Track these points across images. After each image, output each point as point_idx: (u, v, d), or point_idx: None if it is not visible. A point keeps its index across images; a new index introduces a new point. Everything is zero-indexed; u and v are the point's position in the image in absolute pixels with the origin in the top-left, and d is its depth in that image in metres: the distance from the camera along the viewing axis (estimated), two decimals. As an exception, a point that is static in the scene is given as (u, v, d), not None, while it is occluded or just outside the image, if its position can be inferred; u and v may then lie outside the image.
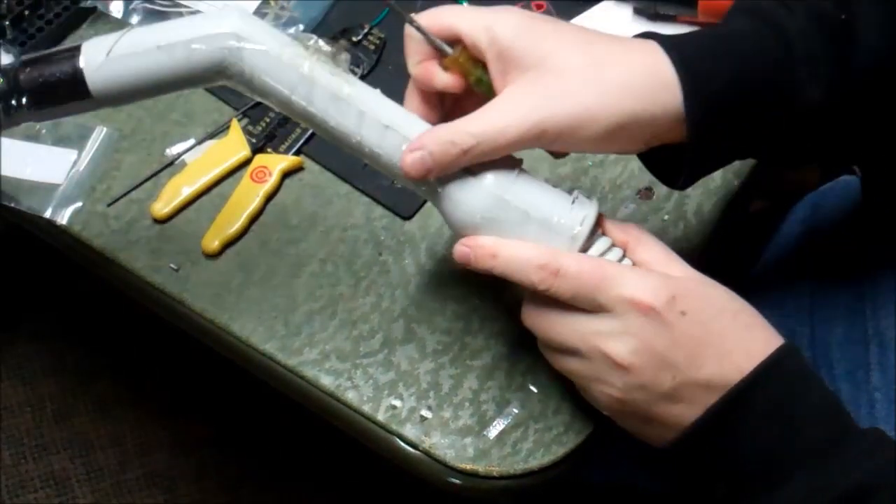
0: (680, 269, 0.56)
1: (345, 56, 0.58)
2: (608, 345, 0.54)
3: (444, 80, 0.58)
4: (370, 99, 0.57)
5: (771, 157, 0.62)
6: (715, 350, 0.54)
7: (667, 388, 0.54)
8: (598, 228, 0.58)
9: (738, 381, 0.53)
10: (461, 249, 0.57)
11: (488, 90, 0.57)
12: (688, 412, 0.54)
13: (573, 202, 0.57)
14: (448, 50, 0.58)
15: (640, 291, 0.53)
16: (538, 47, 0.54)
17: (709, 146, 0.56)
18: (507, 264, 0.56)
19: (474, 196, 0.56)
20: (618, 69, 0.54)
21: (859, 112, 0.58)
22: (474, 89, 0.58)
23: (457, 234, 0.59)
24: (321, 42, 0.59)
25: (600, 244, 0.57)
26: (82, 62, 0.56)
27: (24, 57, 0.56)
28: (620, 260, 0.57)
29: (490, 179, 0.56)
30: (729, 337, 0.54)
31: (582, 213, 0.57)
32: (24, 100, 0.55)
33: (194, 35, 0.56)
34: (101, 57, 0.56)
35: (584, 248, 0.57)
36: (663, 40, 0.56)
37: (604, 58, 0.55)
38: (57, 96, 0.56)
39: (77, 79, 0.56)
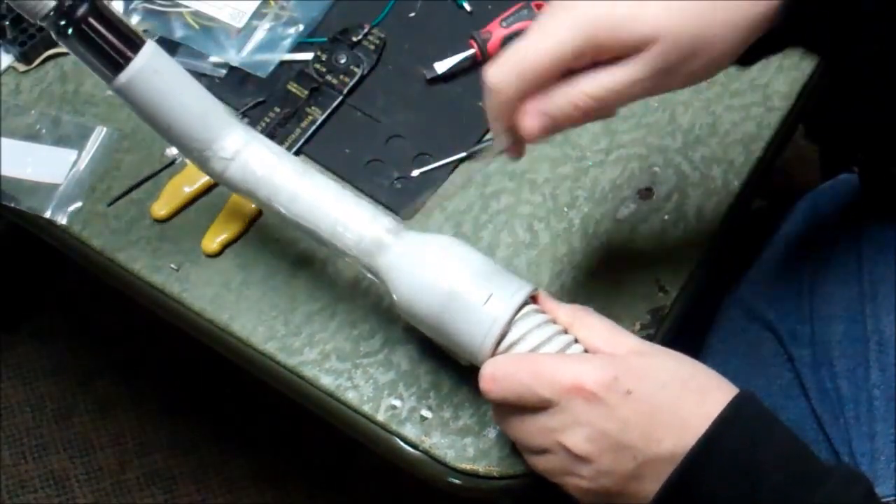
0: (626, 345, 0.56)
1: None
2: (564, 438, 0.53)
3: None
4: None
5: (829, 54, 0.60)
6: (670, 422, 0.53)
7: (631, 468, 0.53)
8: (531, 305, 0.59)
9: (691, 447, 0.51)
10: None
11: None
12: (658, 486, 0.53)
13: (504, 283, 0.58)
14: None
15: (579, 379, 0.53)
16: None
17: (797, 16, 0.54)
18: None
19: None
20: None
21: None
22: None
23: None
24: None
25: (531, 320, 0.57)
26: (136, 56, 0.59)
27: (97, 4, 0.59)
28: (556, 335, 0.57)
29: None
30: (683, 405, 0.53)
31: (509, 293, 0.58)
32: (69, 30, 0.59)
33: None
34: (146, 67, 0.60)
35: (510, 325, 0.57)
36: None
37: None
38: (93, 53, 0.59)
39: (117, 61, 0.59)
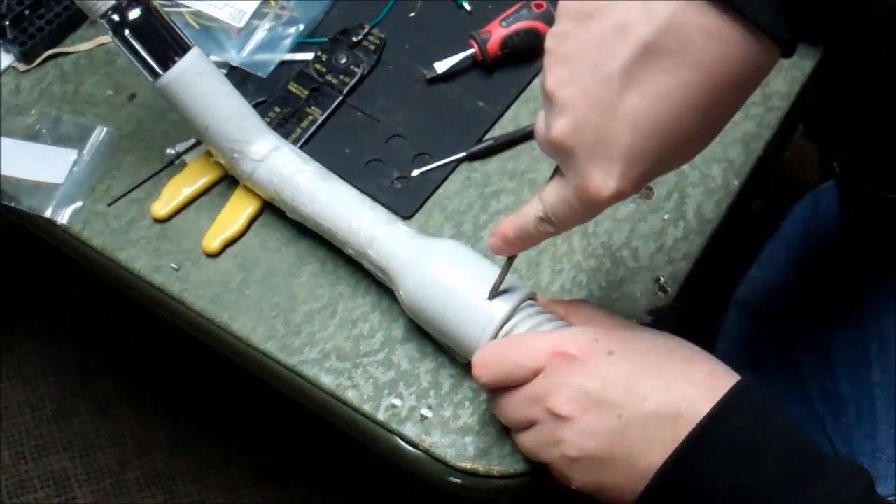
0: (620, 325, 0.58)
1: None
2: (548, 401, 0.54)
3: None
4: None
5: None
6: (653, 381, 0.53)
7: (615, 427, 0.53)
8: (529, 302, 0.60)
9: (696, 424, 0.51)
10: None
11: None
12: (647, 452, 0.52)
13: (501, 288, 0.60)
14: None
15: (560, 343, 0.55)
16: None
17: None
18: None
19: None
20: None
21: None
22: None
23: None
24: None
25: (527, 312, 0.59)
26: (181, 58, 0.65)
27: (150, 7, 0.65)
28: (550, 321, 0.59)
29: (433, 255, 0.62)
30: (666, 368, 0.54)
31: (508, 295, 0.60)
32: (125, 30, 0.65)
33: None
34: (189, 69, 0.65)
35: (510, 316, 0.59)
36: None
37: None
38: (143, 51, 0.65)
39: (164, 61, 0.65)
